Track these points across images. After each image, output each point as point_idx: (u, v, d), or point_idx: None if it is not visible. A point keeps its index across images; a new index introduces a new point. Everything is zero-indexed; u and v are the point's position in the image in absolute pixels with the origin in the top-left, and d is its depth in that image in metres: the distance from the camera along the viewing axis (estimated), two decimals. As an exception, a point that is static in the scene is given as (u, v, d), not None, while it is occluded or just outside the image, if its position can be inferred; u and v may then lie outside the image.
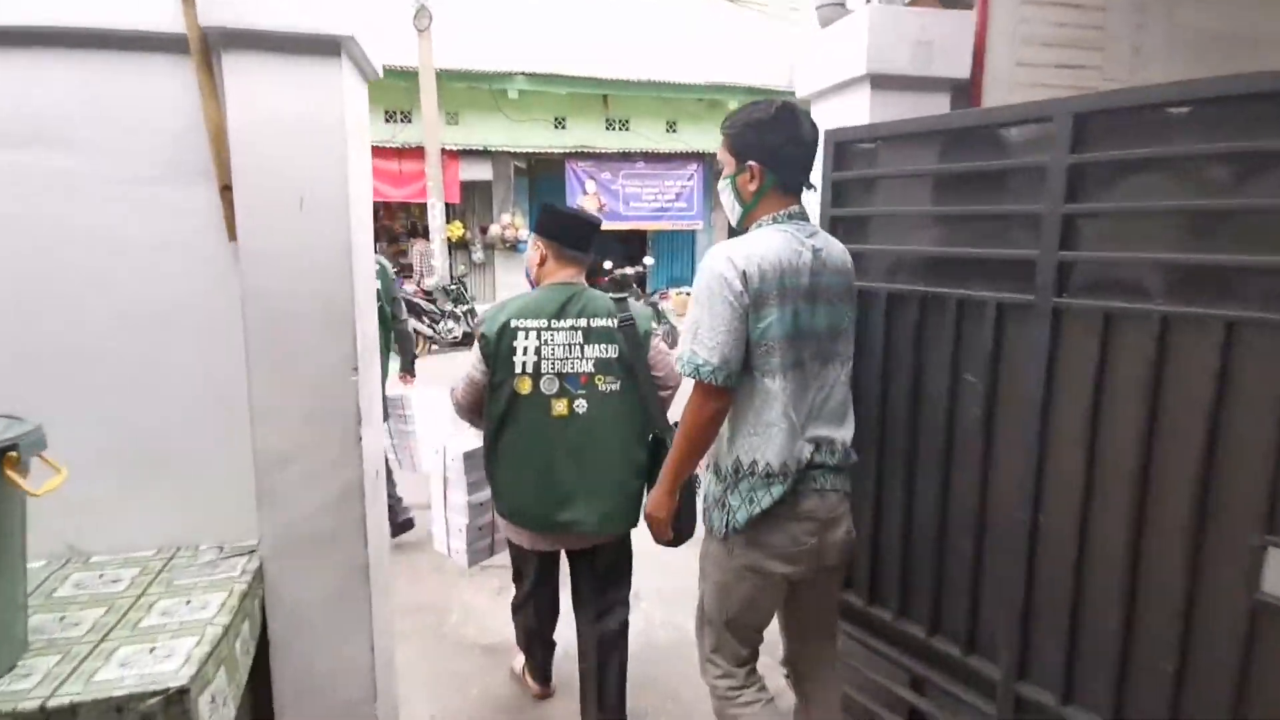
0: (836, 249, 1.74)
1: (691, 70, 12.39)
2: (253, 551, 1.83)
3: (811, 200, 1.85)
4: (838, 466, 1.72)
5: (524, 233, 12.85)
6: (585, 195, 12.46)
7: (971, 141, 1.89)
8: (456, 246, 12.97)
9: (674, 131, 13.29)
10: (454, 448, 2.54)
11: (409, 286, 10.92)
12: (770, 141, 1.66)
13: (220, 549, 1.84)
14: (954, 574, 1.99)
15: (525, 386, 2.09)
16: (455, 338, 10.48)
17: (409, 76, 10.94)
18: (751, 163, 1.67)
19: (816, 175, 1.84)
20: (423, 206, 11.85)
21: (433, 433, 3.72)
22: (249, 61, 1.66)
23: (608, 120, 12.98)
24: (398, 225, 13.24)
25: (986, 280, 1.84)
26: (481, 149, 12.27)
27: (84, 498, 1.67)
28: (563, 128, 12.87)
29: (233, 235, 1.74)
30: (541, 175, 13.15)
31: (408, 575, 3.50)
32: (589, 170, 12.82)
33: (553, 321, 2.10)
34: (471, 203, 13.11)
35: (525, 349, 2.07)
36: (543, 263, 2.20)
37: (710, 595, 1.81)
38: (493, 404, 2.11)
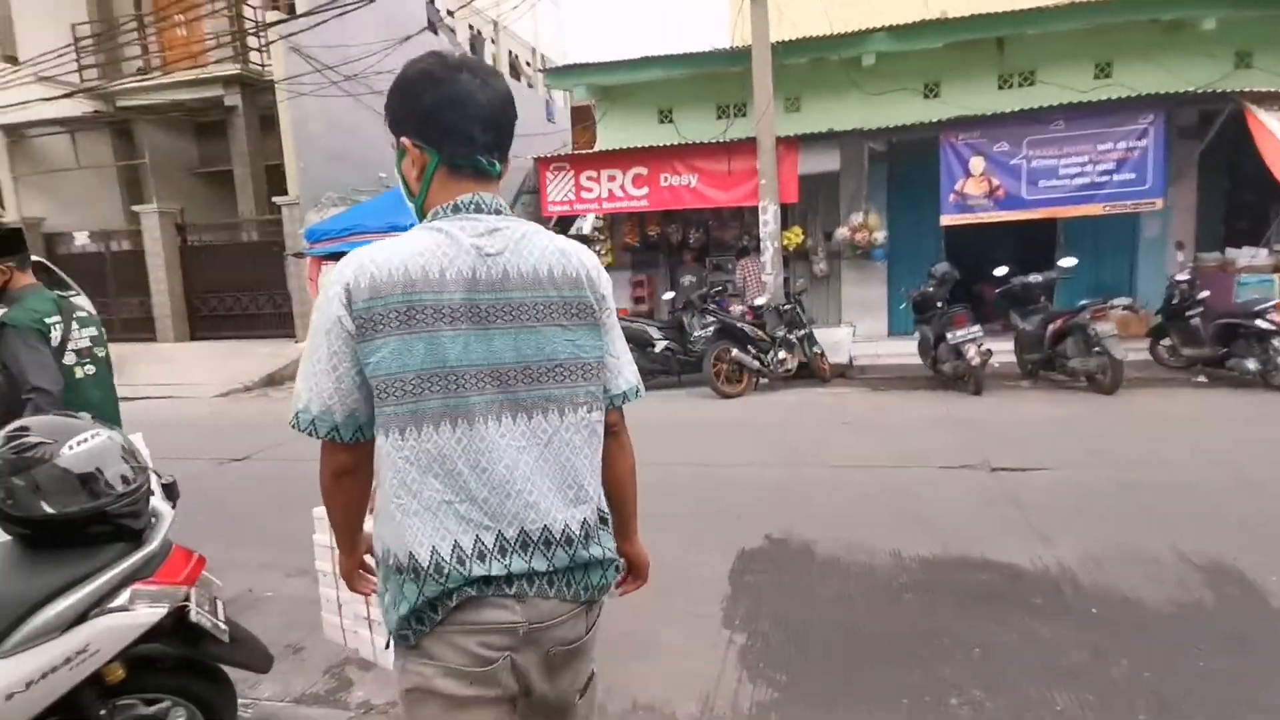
0: (541, 251, 1.28)
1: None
2: None
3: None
4: (554, 570, 1.25)
5: (879, 235, 10.05)
6: (969, 178, 9.29)
7: None
8: (794, 257, 10.64)
9: (1106, 75, 9.98)
10: None
11: (736, 308, 9.18)
12: (417, 107, 1.26)
13: None
14: None
15: None
16: (788, 369, 8.53)
17: (741, 59, 9.29)
18: (404, 139, 1.29)
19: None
20: (755, 212, 9.72)
21: None
22: None
23: (1002, 76, 10.23)
24: (729, 236, 11.30)
25: None
26: (826, 133, 9.80)
27: None
28: (935, 95, 10.48)
29: None
30: (905, 159, 10.28)
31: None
32: (976, 144, 9.25)
33: None
34: (814, 202, 10.52)
35: None
36: None
37: None
38: None
